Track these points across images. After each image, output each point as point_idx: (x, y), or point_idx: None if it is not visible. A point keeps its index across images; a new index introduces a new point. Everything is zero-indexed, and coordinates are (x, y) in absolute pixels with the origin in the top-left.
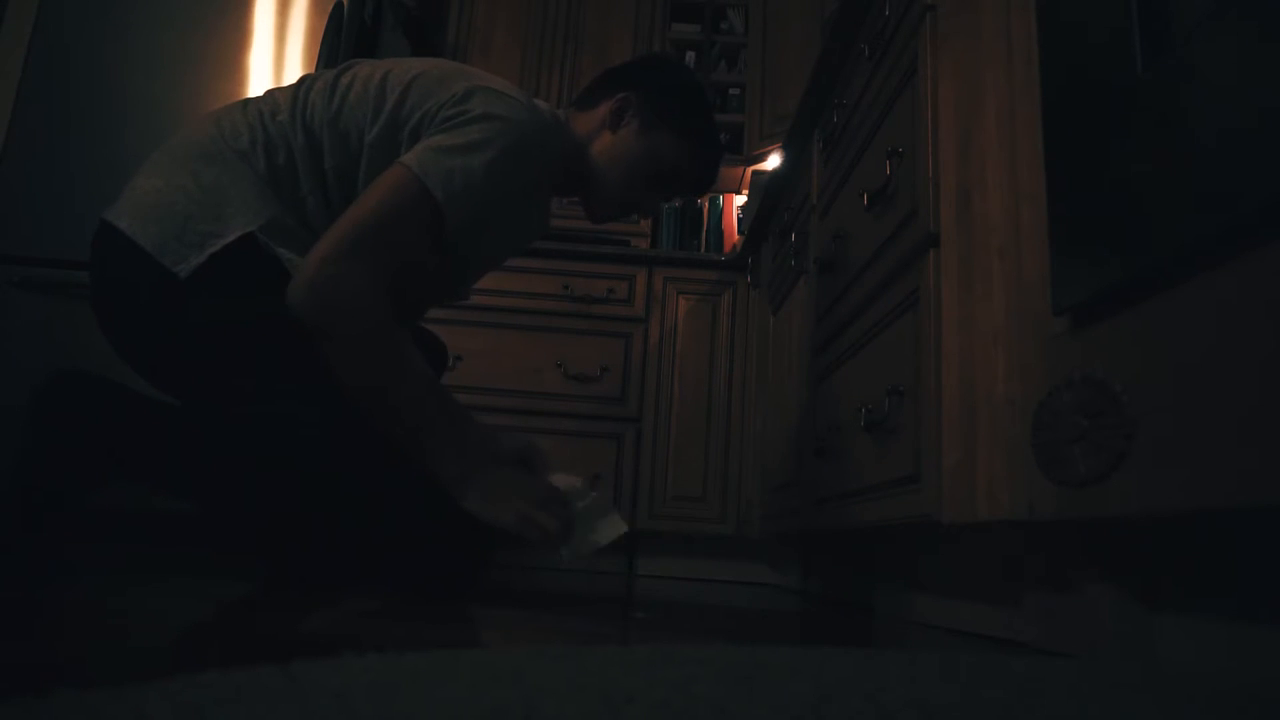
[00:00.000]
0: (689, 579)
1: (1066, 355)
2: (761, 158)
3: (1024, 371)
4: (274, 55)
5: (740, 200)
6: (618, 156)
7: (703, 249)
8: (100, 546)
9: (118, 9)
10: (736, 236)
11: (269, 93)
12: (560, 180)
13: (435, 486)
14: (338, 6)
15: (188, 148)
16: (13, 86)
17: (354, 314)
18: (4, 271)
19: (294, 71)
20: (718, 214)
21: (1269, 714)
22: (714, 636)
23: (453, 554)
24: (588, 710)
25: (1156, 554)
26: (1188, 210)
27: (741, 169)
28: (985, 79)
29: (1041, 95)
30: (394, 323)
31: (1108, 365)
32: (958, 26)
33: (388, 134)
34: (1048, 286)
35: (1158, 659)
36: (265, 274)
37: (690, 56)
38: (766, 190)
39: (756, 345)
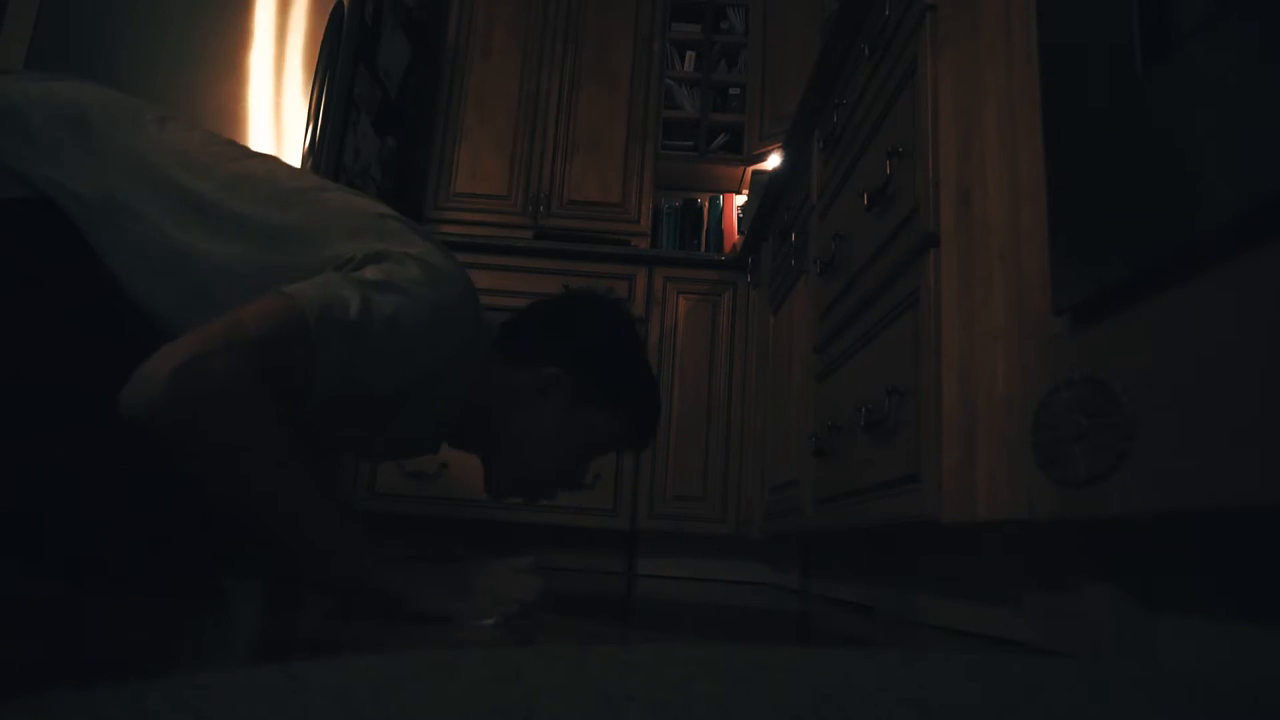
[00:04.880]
0: (689, 579)
1: (1066, 355)
2: (761, 158)
3: (1024, 371)
4: (274, 55)
5: (740, 200)
6: (544, 435)
7: (703, 249)
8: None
9: (118, 9)
10: (736, 236)
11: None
12: (456, 414)
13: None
14: (338, 6)
15: None
16: None
17: (230, 400)
18: None
19: (294, 71)
20: (718, 214)
21: (1268, 714)
22: (714, 636)
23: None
24: (588, 710)
25: (1156, 554)
26: (1187, 210)
27: (741, 169)
28: (985, 79)
29: (1041, 95)
30: (282, 422)
31: (1108, 365)
32: (958, 26)
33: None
34: (1048, 286)
35: (1158, 659)
36: None
37: (690, 56)
38: (766, 190)
39: (756, 345)
